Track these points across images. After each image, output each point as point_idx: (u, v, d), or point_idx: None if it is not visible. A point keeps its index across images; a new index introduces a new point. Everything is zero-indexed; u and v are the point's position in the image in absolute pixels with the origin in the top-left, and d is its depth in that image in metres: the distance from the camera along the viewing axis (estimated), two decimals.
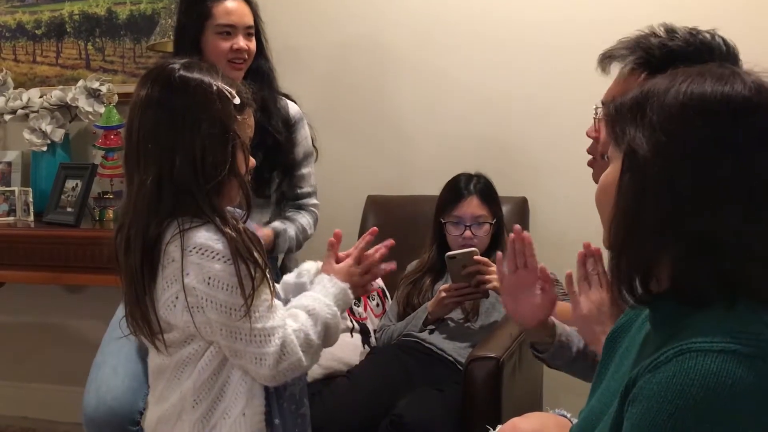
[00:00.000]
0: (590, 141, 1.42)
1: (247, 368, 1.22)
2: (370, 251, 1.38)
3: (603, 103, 1.40)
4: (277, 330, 1.21)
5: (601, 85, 1.42)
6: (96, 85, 2.78)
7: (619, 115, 0.87)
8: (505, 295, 1.41)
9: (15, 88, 2.96)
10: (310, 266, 1.46)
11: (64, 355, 3.09)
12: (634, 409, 0.77)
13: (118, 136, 2.65)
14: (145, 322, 1.24)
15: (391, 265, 1.40)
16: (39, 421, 3.07)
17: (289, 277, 1.45)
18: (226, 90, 1.25)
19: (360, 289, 1.38)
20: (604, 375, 0.98)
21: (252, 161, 1.31)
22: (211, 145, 1.21)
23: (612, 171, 0.89)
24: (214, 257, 1.18)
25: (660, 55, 1.26)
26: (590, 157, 1.41)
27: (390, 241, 1.39)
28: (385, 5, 2.70)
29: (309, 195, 2.22)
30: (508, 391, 1.78)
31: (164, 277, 1.21)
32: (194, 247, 1.18)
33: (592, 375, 1.04)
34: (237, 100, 1.25)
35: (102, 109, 2.74)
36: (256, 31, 2.10)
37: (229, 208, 1.28)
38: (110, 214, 2.64)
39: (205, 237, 1.19)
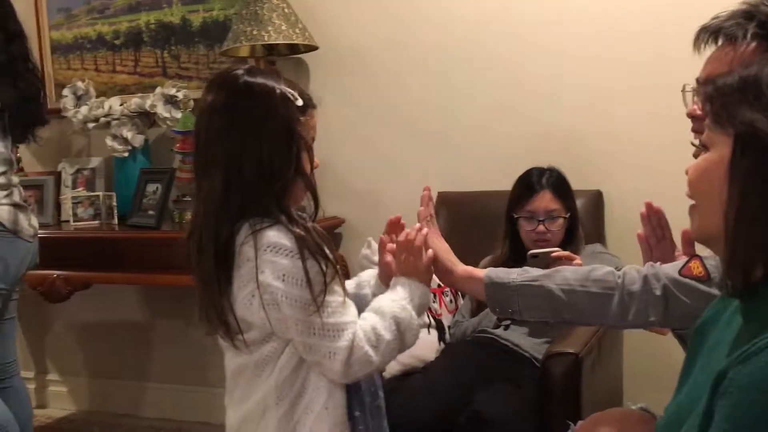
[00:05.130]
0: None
1: (320, 364, 1.24)
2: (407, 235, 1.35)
3: (700, 80, 1.34)
4: (349, 325, 1.23)
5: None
6: (173, 91, 2.86)
7: (724, 97, 0.86)
8: None
9: (97, 97, 3.07)
10: (369, 276, 1.46)
11: (149, 353, 3.20)
12: (724, 401, 0.76)
13: None
14: (222, 323, 1.27)
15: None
16: (124, 417, 3.19)
17: (348, 285, 1.45)
18: (289, 93, 1.28)
19: (421, 273, 1.33)
20: (692, 369, 0.96)
21: (317, 161, 1.33)
22: (276, 147, 1.24)
23: (715, 155, 0.87)
24: (286, 254, 1.20)
25: None
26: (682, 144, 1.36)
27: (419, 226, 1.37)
28: (449, 1, 2.69)
29: None
30: (587, 386, 1.75)
31: (240, 277, 1.23)
32: (267, 246, 1.21)
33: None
34: (300, 102, 1.28)
35: (179, 115, 2.83)
36: None
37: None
38: (189, 215, 2.72)
39: (276, 236, 1.21)
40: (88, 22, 3.18)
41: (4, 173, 2.12)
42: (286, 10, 2.66)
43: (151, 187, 2.82)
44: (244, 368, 1.30)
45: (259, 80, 1.28)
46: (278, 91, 1.27)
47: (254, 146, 1.23)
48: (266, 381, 1.27)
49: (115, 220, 2.87)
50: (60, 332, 3.36)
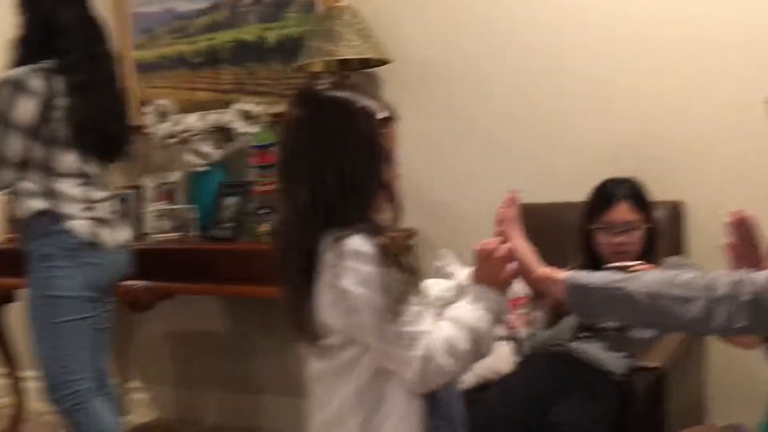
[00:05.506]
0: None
1: (396, 372, 1.26)
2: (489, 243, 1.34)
3: None
4: (424, 335, 1.24)
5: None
6: (249, 107, 2.94)
7: None
8: None
9: (177, 113, 3.17)
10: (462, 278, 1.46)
11: (230, 362, 3.27)
12: None
13: (271, 155, 2.79)
14: (305, 329, 1.30)
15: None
16: (204, 425, 3.28)
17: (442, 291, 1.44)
18: (371, 106, 1.31)
19: (499, 283, 1.31)
20: None
21: (398, 172, 1.35)
22: (358, 160, 1.27)
23: None
24: (367, 261, 1.23)
25: None
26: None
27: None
28: (519, 6, 2.67)
29: None
30: (671, 402, 1.71)
31: (322, 283, 1.26)
32: (349, 253, 1.23)
33: None
34: (382, 115, 1.31)
35: (255, 130, 2.90)
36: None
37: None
38: (265, 228, 2.78)
39: (358, 243, 1.24)
40: (169, 42, 3.30)
41: (81, 187, 2.20)
42: (359, 26, 2.70)
43: (228, 200, 2.90)
44: (325, 374, 1.32)
45: (341, 95, 1.32)
46: (360, 105, 1.30)
47: (337, 159, 1.27)
48: (346, 386, 1.29)
49: (196, 232, 2.95)
50: (143, 341, 3.47)
